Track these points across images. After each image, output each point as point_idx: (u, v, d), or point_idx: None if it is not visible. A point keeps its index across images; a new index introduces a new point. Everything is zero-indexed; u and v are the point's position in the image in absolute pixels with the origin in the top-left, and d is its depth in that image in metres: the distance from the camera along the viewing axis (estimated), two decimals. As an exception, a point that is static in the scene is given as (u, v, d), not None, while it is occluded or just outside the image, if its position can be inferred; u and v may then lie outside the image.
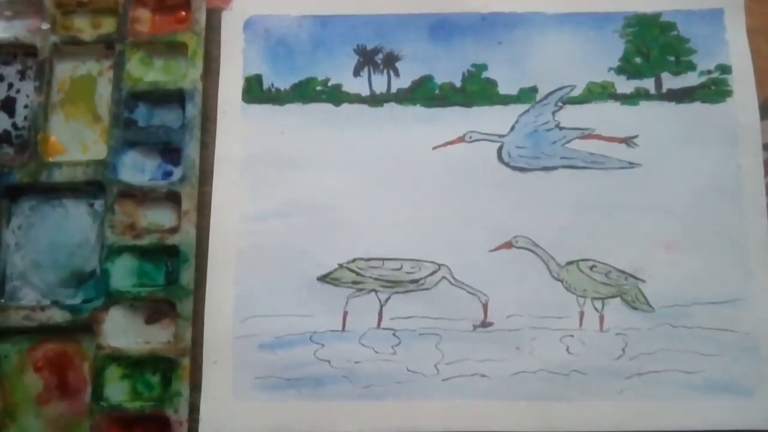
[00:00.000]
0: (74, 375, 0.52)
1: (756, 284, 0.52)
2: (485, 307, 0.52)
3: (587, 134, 0.55)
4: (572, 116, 0.55)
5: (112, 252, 0.53)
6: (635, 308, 0.52)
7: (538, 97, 0.56)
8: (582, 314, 0.52)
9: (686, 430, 0.50)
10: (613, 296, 0.52)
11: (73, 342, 0.53)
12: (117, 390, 0.52)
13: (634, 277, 0.52)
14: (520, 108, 0.55)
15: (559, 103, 0.55)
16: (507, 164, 0.55)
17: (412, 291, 0.53)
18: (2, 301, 0.53)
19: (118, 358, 0.52)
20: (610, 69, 0.56)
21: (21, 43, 0.57)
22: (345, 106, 0.56)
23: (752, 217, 0.53)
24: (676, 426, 0.50)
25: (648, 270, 0.52)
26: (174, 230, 0.54)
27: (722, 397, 0.50)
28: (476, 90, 0.56)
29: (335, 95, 0.56)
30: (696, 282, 0.52)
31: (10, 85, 0.57)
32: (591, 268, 0.52)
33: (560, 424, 0.50)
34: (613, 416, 0.50)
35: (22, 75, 0.58)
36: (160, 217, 0.55)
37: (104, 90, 0.57)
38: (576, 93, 0.55)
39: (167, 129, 0.56)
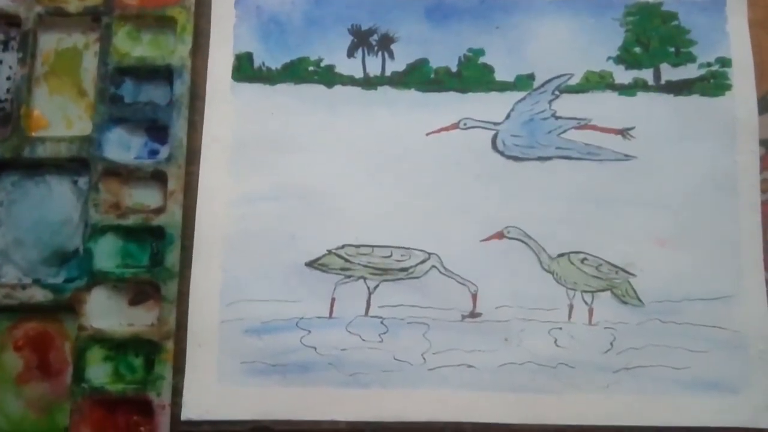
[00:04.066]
0: (55, 355, 0.52)
1: (747, 282, 0.52)
2: (474, 297, 0.52)
3: (583, 124, 0.54)
4: (569, 105, 0.54)
5: (95, 231, 0.52)
6: (625, 302, 0.52)
7: (535, 84, 0.55)
8: (571, 307, 0.52)
9: (673, 425, 0.50)
10: (603, 290, 0.52)
11: (54, 322, 0.52)
12: (99, 372, 0.51)
13: (625, 272, 0.52)
14: (517, 95, 0.55)
15: (556, 92, 0.55)
16: (501, 153, 0.54)
17: (401, 279, 0.52)
18: (-18, 278, 0.52)
19: (100, 339, 0.51)
20: (608, 58, 0.55)
21: (4, 13, 0.56)
22: (338, 87, 0.55)
23: (746, 214, 0.53)
24: (662, 422, 0.50)
25: (639, 264, 0.52)
26: (159, 211, 0.53)
27: (709, 394, 0.50)
28: (472, 75, 0.55)
29: (328, 76, 0.55)
30: (687, 278, 0.52)
31: (-7, 56, 0.56)
32: (582, 260, 0.52)
33: (546, 416, 0.50)
34: (599, 410, 0.50)
35: (5, 46, 0.56)
36: (145, 196, 0.54)
37: (90, 64, 0.56)
38: (573, 82, 0.55)
39: (154, 106, 0.55)
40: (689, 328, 0.51)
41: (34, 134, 0.54)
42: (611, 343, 0.51)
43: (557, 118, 0.54)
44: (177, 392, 0.50)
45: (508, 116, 0.54)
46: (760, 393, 0.50)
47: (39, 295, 0.51)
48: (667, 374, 0.50)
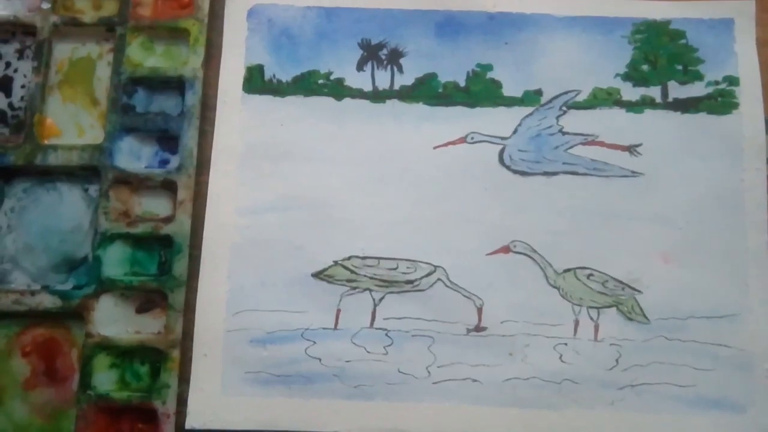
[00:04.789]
0: (62, 362, 0.52)
1: (753, 300, 0.51)
2: (480, 311, 0.52)
3: (590, 140, 0.54)
4: (576, 121, 0.55)
5: (105, 239, 0.53)
6: (631, 319, 0.51)
7: (543, 100, 0.55)
8: (577, 323, 0.52)
9: (677, 444, 0.50)
10: (609, 306, 0.52)
11: (62, 328, 0.52)
12: (105, 379, 0.51)
13: (631, 288, 0.52)
14: (524, 111, 0.55)
15: (564, 108, 0.55)
16: (508, 167, 0.54)
17: (406, 291, 0.52)
18: (-8, 284, 0.53)
19: (107, 346, 0.51)
20: (616, 75, 0.55)
21: (20, 22, 0.56)
22: (347, 100, 0.55)
23: (752, 232, 0.52)
24: (666, 440, 0.50)
25: (645, 281, 0.52)
26: (169, 219, 0.53)
27: (714, 413, 0.50)
28: (480, 90, 0.55)
29: (337, 89, 0.56)
30: (693, 295, 0.52)
31: (8, 64, 0.57)
32: (588, 276, 0.52)
33: (550, 432, 0.50)
34: (603, 427, 0.50)
35: (21, 54, 0.57)
36: (155, 205, 0.54)
37: (103, 73, 0.56)
38: (581, 98, 0.55)
39: (166, 116, 0.55)
40: (695, 345, 0.51)
41: (46, 142, 0.55)
42: (616, 360, 0.51)
43: (564, 133, 0.54)
44: (182, 401, 0.50)
45: (515, 131, 0.54)
46: (766, 412, 0.50)
47: (47, 301, 0.52)
48: (672, 392, 0.50)
